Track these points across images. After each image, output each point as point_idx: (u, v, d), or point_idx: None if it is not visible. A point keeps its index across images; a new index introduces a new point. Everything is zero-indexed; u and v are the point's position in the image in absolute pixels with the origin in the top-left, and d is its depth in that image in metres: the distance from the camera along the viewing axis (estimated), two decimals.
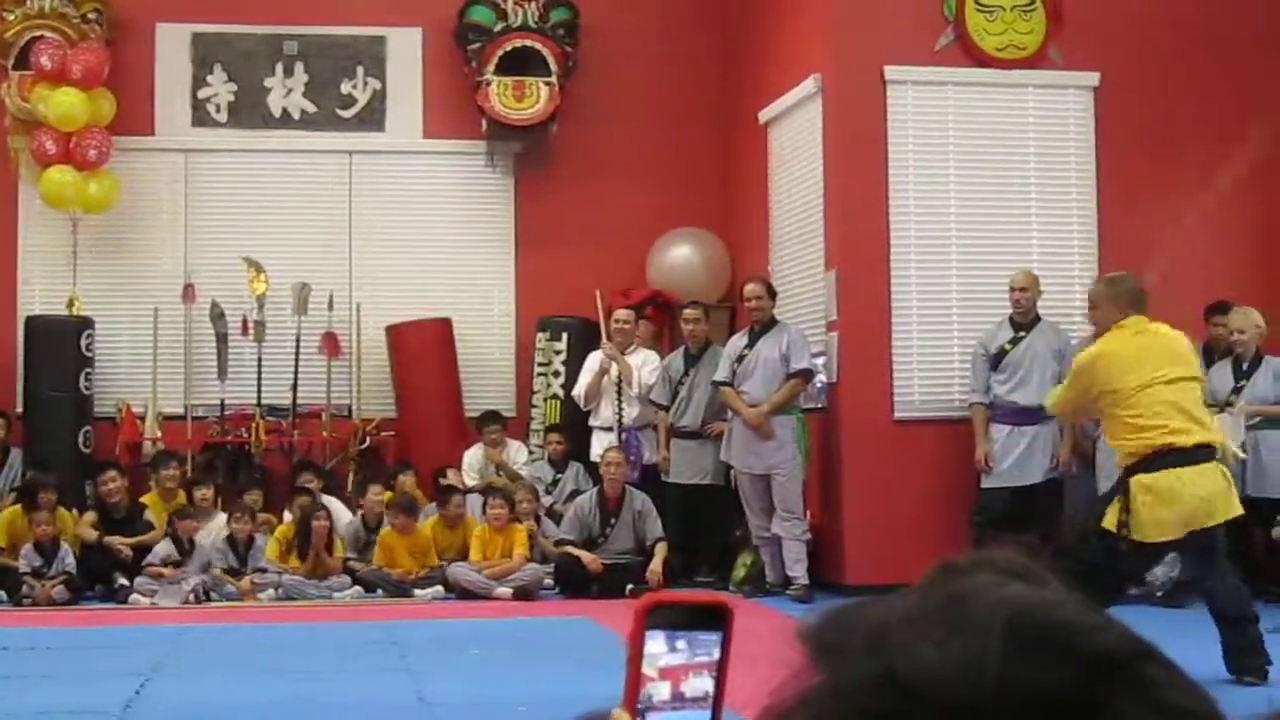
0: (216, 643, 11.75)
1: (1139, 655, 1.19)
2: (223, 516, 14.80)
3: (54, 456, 15.40)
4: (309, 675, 9.86)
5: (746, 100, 16.35)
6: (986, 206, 14.10)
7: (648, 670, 1.46)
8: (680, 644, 1.47)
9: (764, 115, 15.78)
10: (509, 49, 16.63)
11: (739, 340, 14.32)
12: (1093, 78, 14.27)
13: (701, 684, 1.46)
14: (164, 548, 14.33)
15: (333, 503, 15.07)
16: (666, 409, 14.92)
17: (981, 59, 14.19)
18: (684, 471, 14.76)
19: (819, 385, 14.23)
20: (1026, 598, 1.22)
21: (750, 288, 14.23)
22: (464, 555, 14.51)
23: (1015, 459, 13.33)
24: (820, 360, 14.12)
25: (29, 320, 16.17)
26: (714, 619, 1.47)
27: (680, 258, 16.60)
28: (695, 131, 17.07)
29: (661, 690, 1.46)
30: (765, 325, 14.08)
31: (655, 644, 1.46)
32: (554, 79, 16.67)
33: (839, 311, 13.97)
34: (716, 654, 1.45)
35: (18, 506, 14.63)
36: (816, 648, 1.24)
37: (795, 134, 15.12)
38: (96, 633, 12.42)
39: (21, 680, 9.76)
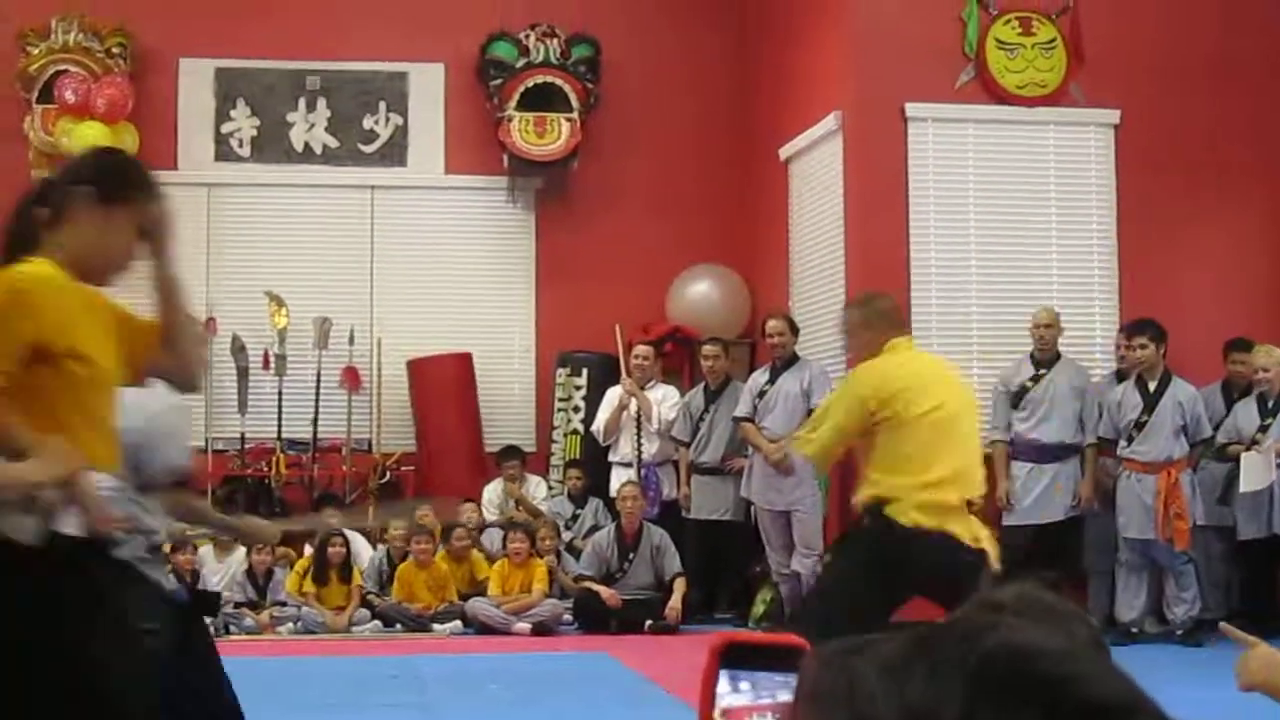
0: (235, 675, 11.70)
1: (1123, 708, 1.18)
2: (242, 550, 14.79)
3: None
4: (328, 709, 9.87)
5: (767, 137, 16.36)
6: (1007, 243, 14.09)
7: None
8: (744, 685, 1.46)
9: (784, 152, 15.79)
10: (531, 85, 16.66)
11: (760, 376, 14.31)
12: (1113, 115, 14.27)
13: None
14: (170, 583, 14.30)
15: (355, 537, 15.08)
16: (687, 445, 14.92)
17: (1002, 96, 14.19)
18: (704, 507, 14.75)
19: None
20: (1006, 641, 1.22)
21: (773, 324, 14.23)
22: (473, 588, 14.50)
23: (1036, 497, 13.29)
24: None
25: None
26: (788, 660, 1.45)
27: (700, 293, 16.60)
28: (716, 168, 17.08)
29: None
30: (787, 361, 14.07)
31: (721, 684, 1.46)
32: (575, 115, 16.70)
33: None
34: (783, 696, 1.44)
35: None
36: (802, 692, 1.25)
37: (816, 170, 15.13)
38: None
39: None
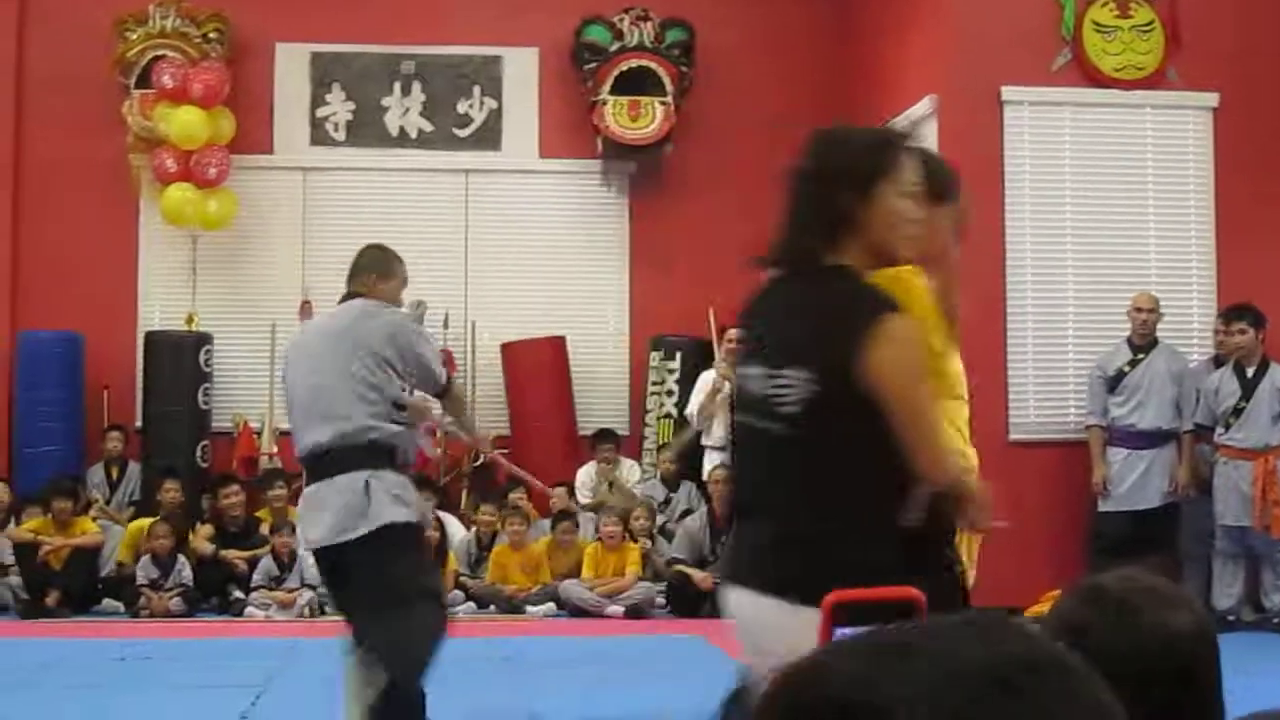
0: (330, 657, 11.79)
1: None
2: None
3: (171, 470, 15.57)
4: None
5: (861, 120, 16.26)
6: (1103, 227, 13.98)
7: None
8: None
9: None
10: (624, 69, 16.67)
11: None
12: (1212, 98, 14.13)
13: None
14: (266, 565, 14.45)
15: (448, 519, 15.16)
16: None
17: (1099, 79, 14.08)
18: None
19: None
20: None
21: None
22: (573, 572, 14.54)
23: (1133, 483, 13.21)
24: None
25: (148, 336, 16.36)
26: (903, 612, 1.46)
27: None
28: None
29: None
30: None
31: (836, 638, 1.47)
32: (669, 99, 16.70)
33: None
34: None
35: (144, 519, 14.82)
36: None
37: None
38: (212, 645, 12.56)
39: (138, 690, 9.87)
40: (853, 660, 1.20)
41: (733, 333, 15.30)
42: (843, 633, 1.47)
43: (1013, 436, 13.74)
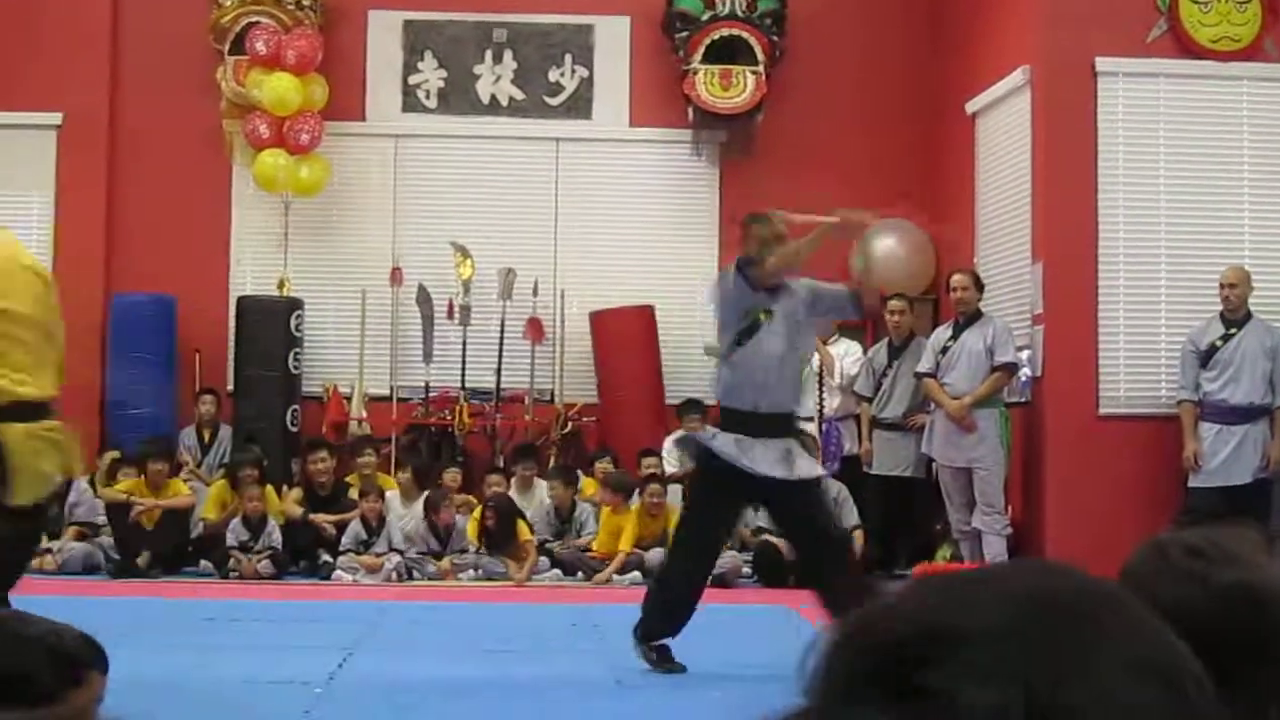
0: (416, 621, 11.90)
1: None
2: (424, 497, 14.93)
3: (262, 434, 15.69)
4: (507, 655, 9.96)
5: (954, 91, 16.22)
6: (1198, 200, 13.85)
7: None
8: None
9: (971, 106, 15.66)
10: (716, 38, 16.63)
11: (943, 332, 14.23)
12: None
13: None
14: (354, 529, 14.54)
15: (541, 486, 15.23)
16: (869, 400, 14.87)
17: (1194, 51, 13.94)
18: (885, 463, 14.70)
19: (1023, 379, 14.09)
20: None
21: (957, 278, 14.12)
22: (660, 541, 14.54)
23: (1224, 458, 13.09)
24: (1025, 354, 13.98)
25: (240, 301, 16.48)
26: None
27: (884, 248, 16.48)
28: (901, 121, 16.95)
29: None
30: (970, 317, 13.96)
31: None
32: (760, 68, 16.64)
33: (1045, 305, 13.82)
34: None
35: (225, 481, 14.95)
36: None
37: (1003, 125, 14.98)
38: (300, 607, 12.65)
39: (228, 650, 9.95)
40: (924, 596, 1.21)
41: None
42: None
43: (1103, 411, 13.66)
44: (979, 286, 14.11)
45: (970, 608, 1.18)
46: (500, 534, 14.42)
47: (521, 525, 14.57)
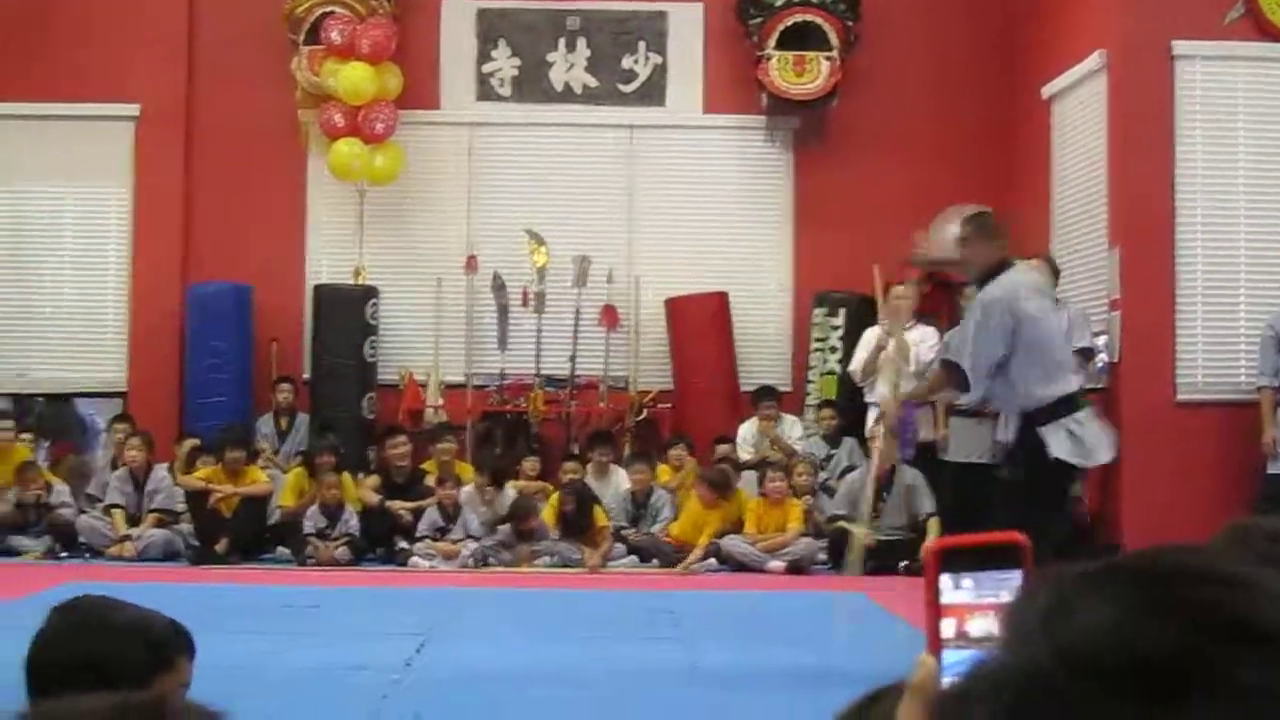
0: (493, 607, 11.94)
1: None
2: (510, 491, 14.95)
3: (338, 422, 15.77)
4: (583, 641, 9.99)
5: (1029, 75, 16.13)
6: (1277, 184, 13.73)
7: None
8: (966, 583, 1.46)
9: (1047, 90, 15.57)
10: (790, 24, 16.59)
11: None
12: None
13: (987, 624, 1.44)
14: (431, 516, 14.60)
15: (617, 472, 15.26)
16: None
17: (1273, 33, 13.81)
18: (961, 449, 14.63)
19: (1099, 365, 14.00)
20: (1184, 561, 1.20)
21: (1030, 263, 14.03)
22: (735, 528, 14.55)
23: None
24: (1101, 340, 13.89)
25: (317, 289, 16.57)
26: (1009, 558, 1.45)
27: (960, 234, 16.38)
28: (976, 106, 16.87)
29: (946, 628, 1.46)
30: None
31: (943, 585, 1.46)
32: (835, 54, 16.59)
33: (1122, 290, 13.74)
34: (1005, 596, 1.43)
35: (302, 469, 15.04)
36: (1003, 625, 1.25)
37: (1079, 109, 14.89)
38: (377, 593, 12.73)
39: (305, 637, 10.02)
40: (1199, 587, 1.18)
41: (898, 289, 15.23)
42: (948, 578, 1.46)
43: (1180, 397, 13.57)
44: (1055, 272, 14.01)
45: (1258, 602, 1.15)
46: (577, 519, 14.45)
47: (598, 511, 14.59)
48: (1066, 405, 8.99)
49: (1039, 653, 1.16)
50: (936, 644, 1.45)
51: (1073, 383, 9.16)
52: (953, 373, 9.48)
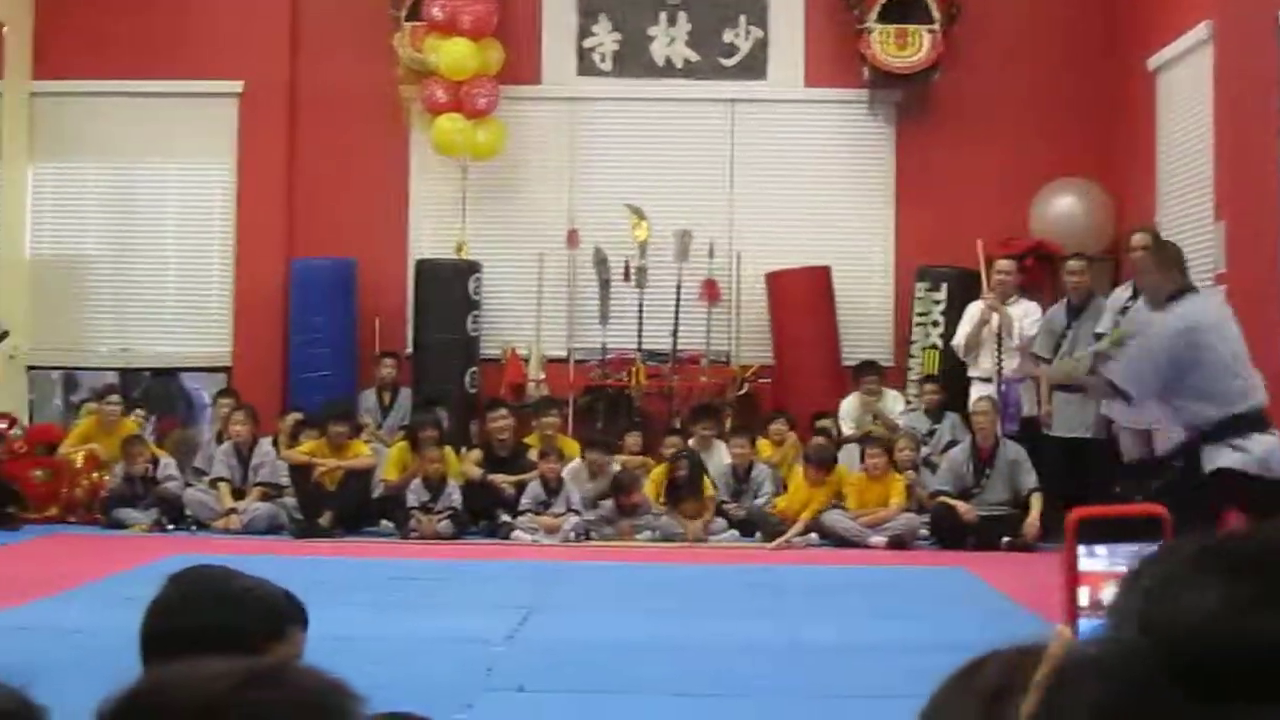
0: (595, 581, 11.99)
1: None
2: (615, 466, 14.99)
3: (441, 396, 15.84)
4: (684, 614, 10.01)
5: (1134, 47, 15.98)
6: None
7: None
8: (1100, 551, 1.46)
9: (1152, 62, 15.42)
10: None
11: (1123, 292, 14.03)
12: None
13: None
14: (534, 489, 14.65)
15: (719, 447, 15.27)
16: (1049, 361, 14.71)
17: None
18: (1064, 425, 14.54)
19: None
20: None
21: (1137, 237, 13.90)
22: (835, 503, 14.51)
23: None
24: None
25: (419, 264, 16.65)
26: (1148, 530, 1.45)
27: (1064, 208, 16.32)
28: (1080, 79, 16.72)
29: (1082, 597, 1.46)
30: None
31: (1080, 553, 1.46)
32: (937, 27, 16.49)
33: (1227, 264, 13.60)
34: None
35: (405, 443, 15.12)
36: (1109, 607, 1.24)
37: (1185, 82, 14.74)
38: (480, 566, 12.80)
39: (409, 609, 10.10)
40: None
41: (1001, 264, 15.15)
42: (1088, 549, 1.46)
43: None
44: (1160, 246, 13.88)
45: None
46: (688, 484, 14.49)
47: (706, 481, 14.64)
48: (1236, 423, 8.95)
49: (1138, 639, 1.15)
50: (1073, 613, 1.45)
51: (1244, 403, 9.07)
52: (1111, 386, 9.60)
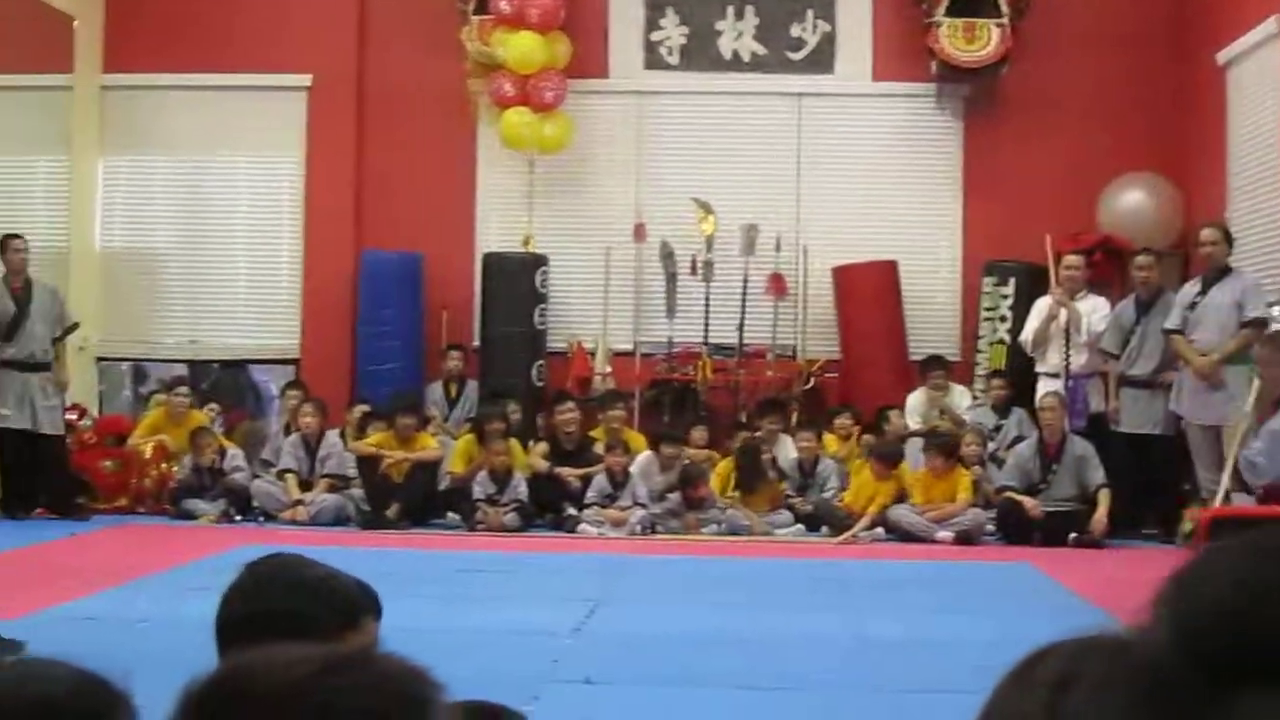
0: (661, 574, 12.00)
1: None
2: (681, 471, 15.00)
3: (507, 389, 15.88)
4: (750, 607, 10.01)
5: (1204, 41, 15.88)
6: None
7: None
8: None
9: (1222, 56, 15.32)
10: None
11: (1191, 287, 13.96)
12: None
13: None
14: (599, 483, 14.67)
15: (782, 440, 15.28)
16: (1116, 357, 14.65)
17: None
18: (1132, 420, 14.47)
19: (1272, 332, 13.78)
20: None
21: (1206, 233, 13.84)
22: (899, 498, 14.48)
23: None
24: (1276, 309, 13.66)
25: (486, 257, 16.69)
26: None
27: (1132, 202, 16.23)
28: (1149, 73, 16.62)
29: None
30: (1219, 272, 13.68)
31: None
32: (1005, 20, 16.42)
33: None
34: None
35: (472, 435, 15.16)
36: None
37: (1255, 76, 14.65)
38: (546, 559, 12.82)
39: (476, 601, 10.13)
40: None
41: (1069, 259, 15.08)
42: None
43: None
44: (1229, 241, 13.80)
45: None
46: (753, 473, 14.50)
47: (769, 472, 14.67)
48: None
49: (1167, 627, 1.16)
50: None
51: None
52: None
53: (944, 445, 14.52)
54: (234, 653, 1.74)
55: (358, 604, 2.99)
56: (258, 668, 1.59)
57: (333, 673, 1.56)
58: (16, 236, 14.88)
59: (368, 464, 14.93)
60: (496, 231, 17.10)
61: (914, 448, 15.03)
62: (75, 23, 16.66)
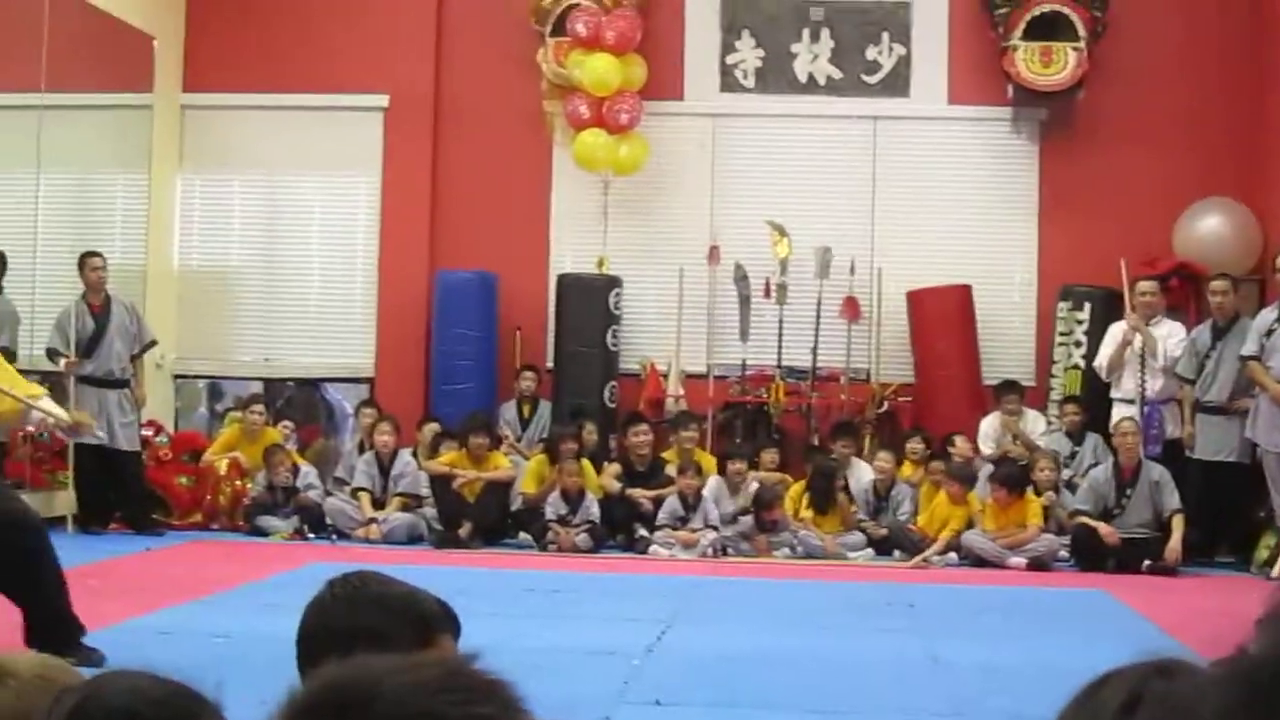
0: (733, 596, 12.00)
1: None
2: (754, 485, 15.00)
3: (580, 410, 15.91)
4: (823, 630, 10.01)
5: (1276, 68, 15.78)
6: None
7: None
8: None
9: None
10: (1037, 14, 16.39)
11: (1269, 314, 13.88)
12: None
13: None
14: (671, 504, 14.67)
15: (856, 464, 15.27)
16: (1192, 383, 14.57)
17: None
18: (1208, 447, 14.39)
19: None
20: None
21: None
22: (970, 523, 14.42)
23: None
24: None
25: (560, 278, 16.73)
26: None
27: (1209, 228, 16.13)
28: (1227, 97, 16.53)
29: None
30: None
31: None
32: (1082, 44, 16.37)
33: None
34: None
35: (544, 456, 15.20)
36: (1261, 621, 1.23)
37: None
38: (617, 580, 12.83)
39: (547, 621, 10.15)
40: None
41: (1144, 284, 15.01)
42: None
43: None
44: None
45: None
46: (826, 493, 14.50)
47: (841, 495, 14.66)
48: None
49: (1267, 650, 1.16)
50: None
51: None
52: None
53: (1008, 478, 14.39)
54: (316, 667, 1.75)
55: (436, 622, 3.01)
56: (369, 675, 1.61)
57: (449, 678, 1.57)
58: (95, 254, 15.03)
59: (441, 483, 14.99)
60: (570, 252, 17.15)
61: (983, 474, 14.97)
62: (155, 42, 16.79)
